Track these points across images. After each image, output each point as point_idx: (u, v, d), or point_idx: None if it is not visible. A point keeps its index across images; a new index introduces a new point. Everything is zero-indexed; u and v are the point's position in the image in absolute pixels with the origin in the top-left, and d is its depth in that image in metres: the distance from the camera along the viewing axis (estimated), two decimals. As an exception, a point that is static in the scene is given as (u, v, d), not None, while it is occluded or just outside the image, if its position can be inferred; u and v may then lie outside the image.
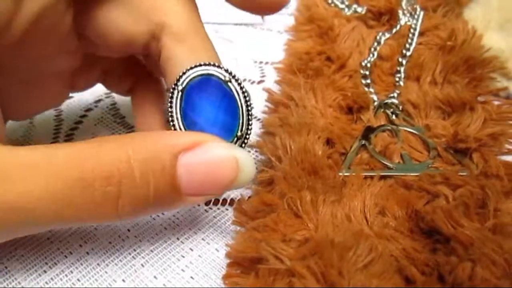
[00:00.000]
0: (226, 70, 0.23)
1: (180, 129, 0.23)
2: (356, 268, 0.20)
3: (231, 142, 0.23)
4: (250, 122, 0.23)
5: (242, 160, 0.21)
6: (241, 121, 0.23)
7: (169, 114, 0.23)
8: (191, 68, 0.23)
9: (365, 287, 0.19)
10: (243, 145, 0.23)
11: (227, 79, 0.23)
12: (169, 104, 0.23)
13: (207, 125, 0.23)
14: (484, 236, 0.22)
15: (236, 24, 0.47)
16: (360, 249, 0.21)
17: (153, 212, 0.24)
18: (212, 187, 0.21)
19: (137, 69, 0.30)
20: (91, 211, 0.19)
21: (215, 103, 0.23)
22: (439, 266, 0.21)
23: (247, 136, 0.23)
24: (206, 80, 0.23)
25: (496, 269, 0.20)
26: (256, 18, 0.47)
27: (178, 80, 0.23)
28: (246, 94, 0.23)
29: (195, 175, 0.20)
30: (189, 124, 0.23)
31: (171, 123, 0.23)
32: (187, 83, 0.23)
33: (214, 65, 0.23)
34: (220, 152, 0.21)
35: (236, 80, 0.23)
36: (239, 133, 0.23)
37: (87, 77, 0.29)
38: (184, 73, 0.23)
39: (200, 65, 0.23)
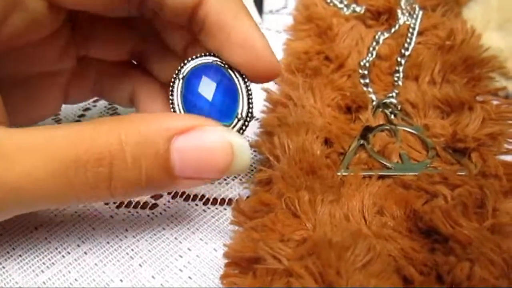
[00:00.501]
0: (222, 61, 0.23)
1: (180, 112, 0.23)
2: (354, 268, 0.20)
3: (231, 123, 0.23)
4: (251, 105, 0.23)
5: (237, 146, 0.21)
6: (241, 103, 0.23)
7: (170, 101, 0.24)
8: (192, 59, 0.24)
9: (363, 287, 0.19)
10: (244, 127, 0.23)
11: (226, 66, 0.23)
12: (170, 92, 0.23)
13: (205, 106, 0.23)
14: (483, 236, 0.22)
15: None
16: (358, 249, 0.21)
17: (147, 193, 0.24)
18: (206, 172, 0.21)
19: (136, 73, 0.30)
20: (86, 191, 0.20)
21: (213, 84, 0.23)
22: (438, 266, 0.21)
23: (248, 119, 0.23)
24: (205, 66, 0.23)
25: (494, 269, 0.20)
26: (254, 18, 0.47)
27: (179, 70, 0.24)
28: (245, 78, 0.23)
29: (189, 160, 0.20)
30: (189, 107, 0.23)
31: (172, 110, 0.24)
32: (188, 72, 0.23)
33: (214, 55, 0.23)
34: (214, 136, 0.21)
35: (235, 69, 0.23)
36: (239, 115, 0.23)
37: (83, 85, 0.29)
38: (185, 63, 0.23)
39: (201, 55, 0.24)
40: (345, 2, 0.45)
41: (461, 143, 0.29)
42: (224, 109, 0.23)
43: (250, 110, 0.23)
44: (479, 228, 0.22)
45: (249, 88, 0.23)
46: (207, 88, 0.23)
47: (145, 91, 0.29)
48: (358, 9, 0.44)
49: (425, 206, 0.24)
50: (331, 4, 0.45)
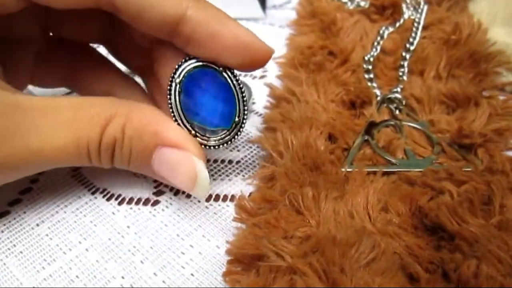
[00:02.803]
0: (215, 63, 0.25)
1: (181, 120, 0.25)
2: (359, 266, 0.20)
3: (230, 128, 0.25)
4: (246, 109, 0.25)
5: (200, 180, 0.24)
6: (237, 108, 0.25)
7: (169, 105, 0.25)
8: (186, 60, 0.24)
9: (368, 285, 0.19)
10: (241, 129, 0.25)
11: (221, 69, 0.24)
12: (168, 96, 0.25)
13: (209, 116, 0.25)
14: (489, 232, 0.21)
15: (237, 19, 0.46)
16: (362, 246, 0.20)
17: (137, 171, 0.26)
18: (172, 182, 0.25)
19: (110, 71, 0.30)
20: (95, 161, 0.24)
21: (214, 95, 0.25)
22: (444, 263, 0.21)
23: (244, 122, 0.25)
24: (202, 72, 0.25)
25: (501, 266, 0.20)
26: (258, 13, 0.46)
27: (174, 73, 0.24)
28: (239, 82, 0.25)
29: (162, 167, 0.24)
30: (191, 115, 0.25)
31: (172, 114, 0.25)
32: (184, 76, 0.24)
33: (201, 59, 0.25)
34: (186, 163, 0.24)
35: (229, 70, 0.25)
36: (236, 119, 0.25)
37: (52, 70, 0.29)
38: (179, 66, 0.24)
39: (194, 57, 0.24)
40: (349, -3, 0.45)
41: (467, 138, 0.28)
42: (225, 116, 0.25)
43: (245, 114, 0.25)
44: (486, 225, 0.22)
45: (243, 91, 0.25)
46: (209, 101, 0.25)
47: (122, 90, 0.30)
48: (362, 3, 0.43)
49: (431, 203, 0.24)
50: (335, -2, 0.45)
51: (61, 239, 0.25)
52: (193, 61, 0.24)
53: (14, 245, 0.24)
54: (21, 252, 0.24)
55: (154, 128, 0.24)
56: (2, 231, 0.25)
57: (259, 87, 0.36)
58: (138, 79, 0.32)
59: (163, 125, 0.24)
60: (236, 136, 0.25)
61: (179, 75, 0.24)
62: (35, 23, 0.27)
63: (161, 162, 0.24)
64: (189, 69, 0.24)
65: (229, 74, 0.25)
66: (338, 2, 0.44)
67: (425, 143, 0.29)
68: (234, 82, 0.25)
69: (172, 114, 0.25)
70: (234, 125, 0.25)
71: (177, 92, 0.25)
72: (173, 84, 0.25)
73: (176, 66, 0.24)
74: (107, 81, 0.30)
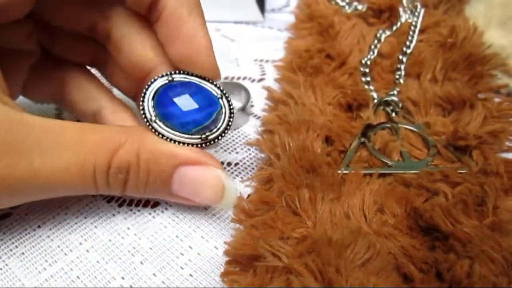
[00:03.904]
0: (219, 87, 0.25)
1: (150, 114, 0.24)
2: (354, 266, 0.20)
3: (219, 109, 0.25)
4: (222, 89, 0.25)
5: (228, 188, 0.24)
6: (214, 92, 0.25)
7: (142, 115, 0.24)
8: (155, 79, 0.25)
9: (363, 285, 0.19)
10: (231, 106, 0.25)
11: (219, 96, 0.25)
12: (147, 125, 0.24)
13: (191, 114, 0.25)
14: (483, 233, 0.22)
15: (236, 23, 0.47)
16: (358, 247, 0.21)
17: (148, 197, 0.27)
18: (197, 199, 0.25)
19: (101, 92, 0.30)
20: (104, 189, 0.23)
21: (188, 95, 0.25)
22: (438, 263, 0.21)
23: (229, 99, 0.25)
24: (164, 91, 0.25)
25: (494, 266, 0.20)
26: (256, 16, 0.47)
27: (146, 89, 0.25)
28: (209, 80, 0.25)
29: (186, 187, 0.24)
30: (177, 126, 0.24)
31: (141, 102, 0.24)
32: (153, 97, 0.25)
33: (172, 73, 0.25)
34: (213, 176, 0.24)
35: (226, 98, 0.25)
36: (220, 102, 0.25)
37: (42, 84, 0.29)
38: (149, 85, 0.25)
39: (160, 76, 0.25)
40: (347, 0, 0.45)
41: (462, 140, 0.29)
42: (205, 104, 0.25)
43: (225, 92, 0.25)
44: (479, 225, 0.22)
45: (218, 86, 0.25)
46: (182, 100, 0.25)
47: (111, 112, 0.29)
48: (359, 7, 0.44)
49: (426, 204, 0.24)
50: (333, 2, 0.45)
51: (62, 241, 0.25)
52: (161, 80, 0.25)
53: (16, 247, 0.25)
54: (22, 253, 0.24)
55: (170, 149, 0.24)
56: (4, 233, 0.25)
57: (258, 90, 0.36)
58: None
59: (177, 146, 0.24)
60: (231, 116, 0.25)
61: (150, 99, 0.24)
62: (33, 36, 0.27)
63: (183, 181, 0.24)
64: (155, 90, 0.25)
65: (225, 102, 0.25)
66: (335, 6, 0.44)
67: (421, 145, 0.30)
68: (205, 81, 0.25)
69: (142, 103, 0.24)
70: (220, 107, 0.25)
71: (152, 112, 0.24)
72: (146, 108, 0.24)
73: (143, 93, 0.24)
74: (97, 102, 0.29)
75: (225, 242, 0.23)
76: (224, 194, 0.24)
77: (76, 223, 0.26)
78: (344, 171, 0.27)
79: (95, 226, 0.26)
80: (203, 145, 0.25)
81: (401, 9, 0.43)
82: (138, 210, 0.27)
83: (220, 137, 0.25)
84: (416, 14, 0.42)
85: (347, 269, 0.20)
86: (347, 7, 0.44)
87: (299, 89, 0.33)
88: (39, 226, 0.26)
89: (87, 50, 0.29)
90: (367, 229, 0.23)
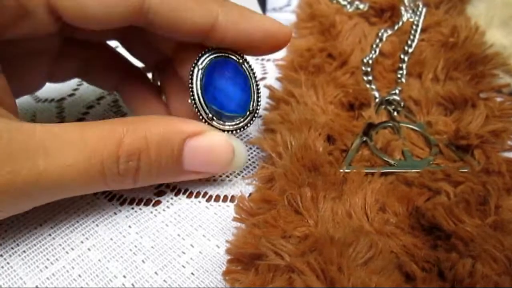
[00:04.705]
0: (239, 54, 0.27)
1: (200, 102, 0.26)
2: (356, 265, 0.20)
3: (245, 115, 0.27)
4: (259, 99, 0.27)
5: (237, 147, 0.26)
6: (252, 98, 0.27)
7: (189, 88, 0.26)
8: (208, 50, 0.26)
9: (365, 284, 0.19)
10: (254, 117, 0.27)
11: (241, 61, 0.27)
12: (189, 80, 0.26)
13: (226, 100, 0.26)
14: (485, 232, 0.22)
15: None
16: (360, 246, 0.21)
17: (159, 182, 0.27)
18: (210, 167, 0.26)
19: (122, 64, 0.31)
20: (116, 180, 0.23)
21: (233, 82, 0.27)
22: (440, 262, 0.21)
23: (257, 111, 0.27)
24: (224, 61, 0.26)
25: (496, 265, 0.20)
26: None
27: (198, 60, 0.26)
28: (255, 75, 0.27)
29: (197, 157, 0.25)
30: (210, 99, 0.26)
31: (191, 97, 0.26)
32: (207, 63, 0.26)
33: (228, 48, 0.26)
34: (220, 139, 0.25)
35: (248, 63, 0.27)
36: (251, 108, 0.27)
37: (67, 65, 0.30)
38: (203, 54, 0.26)
39: (217, 48, 0.26)
40: (348, 0, 0.45)
41: (464, 140, 0.29)
42: (241, 104, 0.27)
43: (259, 104, 0.27)
44: (482, 225, 0.22)
45: (258, 84, 0.27)
46: (228, 86, 0.26)
47: (130, 82, 0.31)
48: (361, 6, 0.44)
49: (428, 203, 0.24)
50: (334, 1, 0.45)
51: (64, 239, 0.25)
52: (215, 51, 0.26)
53: (18, 245, 0.25)
54: (24, 251, 0.24)
55: (176, 127, 0.24)
56: (6, 231, 0.25)
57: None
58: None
59: (181, 121, 0.24)
60: (249, 124, 0.27)
61: (202, 62, 0.26)
62: (57, 35, 0.27)
63: (193, 153, 0.24)
64: (212, 57, 0.26)
65: (248, 66, 0.27)
66: (337, 5, 0.44)
67: (422, 144, 0.30)
68: (251, 74, 0.27)
69: (192, 97, 0.26)
70: (248, 113, 0.27)
71: (198, 77, 0.26)
72: (196, 70, 0.26)
73: (200, 55, 0.26)
74: (117, 75, 0.31)
75: (226, 241, 0.23)
76: (235, 155, 0.25)
77: (77, 222, 0.26)
78: (346, 170, 0.27)
79: (97, 225, 0.26)
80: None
81: (402, 9, 0.43)
82: (140, 209, 0.27)
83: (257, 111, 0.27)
84: (418, 13, 0.42)
85: (349, 268, 0.20)
86: (348, 6, 0.44)
87: (300, 88, 0.33)
88: (40, 225, 0.26)
89: (111, 30, 0.29)
90: (369, 228, 0.23)
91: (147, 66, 0.32)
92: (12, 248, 0.24)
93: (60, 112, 0.35)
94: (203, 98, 0.26)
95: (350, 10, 0.44)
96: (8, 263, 0.24)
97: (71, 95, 0.37)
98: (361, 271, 0.20)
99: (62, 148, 0.22)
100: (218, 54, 0.26)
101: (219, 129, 0.26)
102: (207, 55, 0.26)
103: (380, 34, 0.40)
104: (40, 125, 0.22)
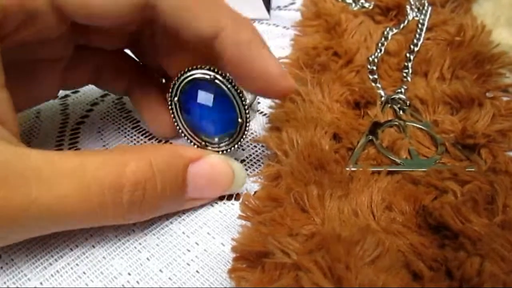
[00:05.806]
0: (209, 69, 0.25)
1: (189, 133, 0.27)
2: (363, 263, 0.20)
3: (236, 131, 0.26)
4: (246, 107, 0.25)
5: (236, 168, 0.26)
6: (238, 110, 0.26)
7: (175, 123, 0.27)
8: (178, 78, 0.26)
9: (372, 282, 0.19)
10: (246, 129, 0.26)
11: (212, 77, 0.25)
12: (171, 115, 0.27)
13: (210, 127, 0.27)
14: (493, 231, 0.22)
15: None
16: (367, 244, 0.21)
17: (163, 213, 0.26)
18: (213, 190, 0.26)
19: (132, 67, 0.31)
20: (119, 212, 0.22)
21: (209, 107, 0.26)
22: (447, 261, 0.21)
23: (247, 121, 0.26)
24: (194, 87, 0.26)
25: (504, 264, 0.20)
26: (262, 14, 0.46)
27: (171, 93, 0.26)
28: (234, 84, 0.25)
29: (200, 182, 0.25)
30: (196, 130, 0.27)
31: (179, 131, 0.27)
32: (179, 94, 0.26)
33: (197, 68, 0.25)
34: (219, 161, 0.25)
35: (220, 75, 0.25)
36: (239, 120, 0.26)
37: (80, 72, 0.30)
38: (174, 84, 0.26)
39: (186, 71, 0.25)
40: (354, -2, 0.45)
41: (470, 139, 0.29)
42: (226, 122, 0.26)
43: (247, 113, 0.26)
44: (489, 224, 0.22)
45: (239, 91, 0.25)
46: (205, 113, 0.26)
47: (139, 85, 0.31)
48: (366, 4, 0.44)
49: (435, 202, 0.24)
50: (340, 0, 0.45)
51: (68, 236, 0.25)
52: (184, 76, 0.26)
53: (22, 242, 0.25)
54: (28, 248, 0.24)
55: (178, 153, 0.24)
56: (10, 228, 0.25)
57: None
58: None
59: (180, 148, 0.24)
60: (243, 136, 0.26)
61: (175, 94, 0.26)
62: (68, 41, 0.27)
63: (195, 179, 0.24)
64: (182, 86, 0.26)
65: (221, 79, 0.25)
66: (342, 3, 0.44)
67: (429, 143, 0.30)
68: (229, 86, 0.25)
69: (180, 131, 0.27)
70: (239, 127, 0.26)
71: (178, 110, 0.27)
72: (173, 104, 0.27)
73: (171, 85, 0.26)
74: (127, 78, 0.31)
75: (232, 239, 0.23)
76: (234, 176, 0.25)
77: (82, 219, 0.26)
78: (352, 169, 0.27)
79: (101, 222, 0.26)
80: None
81: (408, 7, 0.42)
82: (145, 206, 0.27)
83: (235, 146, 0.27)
84: (424, 12, 0.42)
85: (356, 266, 0.20)
86: (353, 4, 0.44)
87: (306, 86, 0.33)
88: (45, 221, 0.26)
89: (122, 37, 0.29)
90: (376, 226, 0.23)
91: (158, 74, 0.32)
92: (17, 245, 0.24)
93: (64, 109, 0.35)
94: (190, 129, 0.27)
95: (355, 8, 0.44)
96: (12, 259, 0.24)
97: (75, 92, 0.37)
98: (369, 270, 0.20)
99: (57, 177, 0.20)
100: (188, 79, 0.26)
101: (216, 151, 0.27)
102: (177, 84, 0.26)
103: (385, 33, 0.40)
104: (37, 151, 0.21)
